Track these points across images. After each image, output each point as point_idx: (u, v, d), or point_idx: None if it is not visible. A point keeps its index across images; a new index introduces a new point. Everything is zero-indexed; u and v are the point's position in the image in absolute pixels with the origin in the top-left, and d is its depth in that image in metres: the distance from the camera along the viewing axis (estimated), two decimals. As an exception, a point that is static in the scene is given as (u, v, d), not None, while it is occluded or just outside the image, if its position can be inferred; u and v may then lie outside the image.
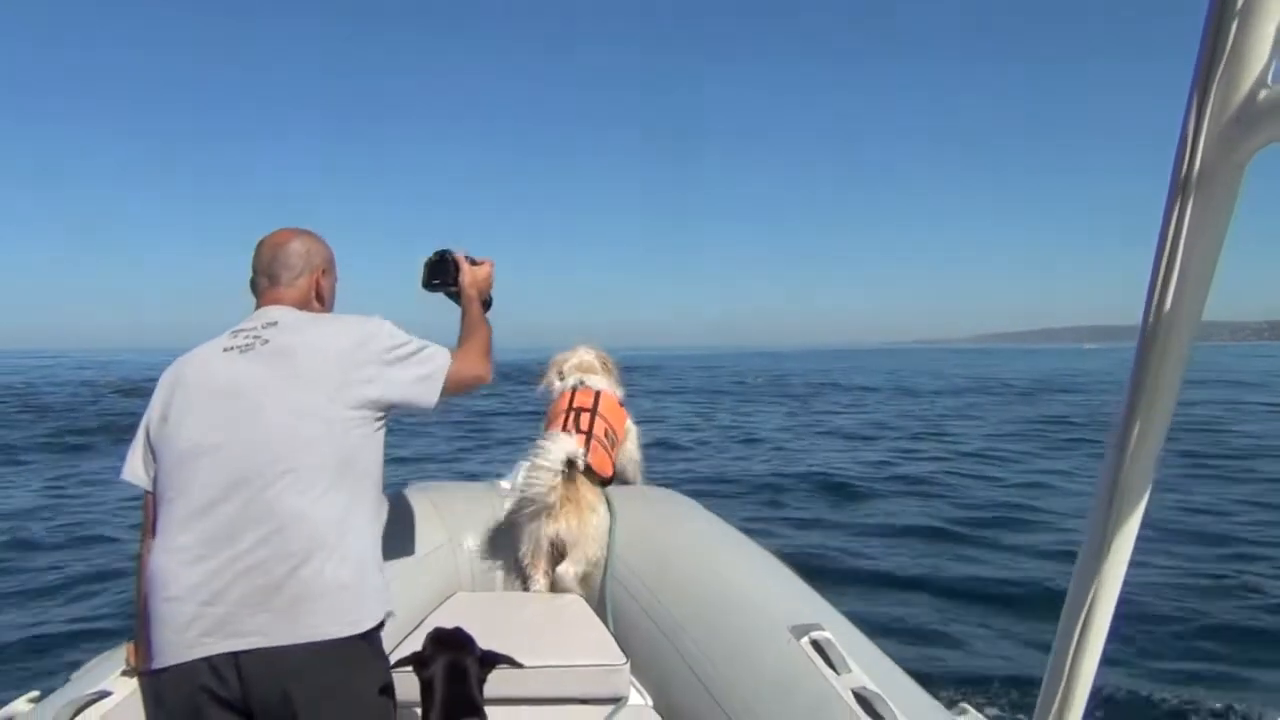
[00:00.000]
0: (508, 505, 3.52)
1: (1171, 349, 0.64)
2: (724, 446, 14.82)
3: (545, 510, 3.18)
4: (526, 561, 3.27)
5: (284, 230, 2.24)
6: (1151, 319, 0.65)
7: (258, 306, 2.17)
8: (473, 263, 2.55)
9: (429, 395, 2.13)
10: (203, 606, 1.84)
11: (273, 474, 1.90)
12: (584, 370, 3.70)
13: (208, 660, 1.83)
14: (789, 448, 14.47)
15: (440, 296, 2.59)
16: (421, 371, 2.12)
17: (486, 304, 2.57)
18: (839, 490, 10.05)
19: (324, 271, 2.25)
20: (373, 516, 2.06)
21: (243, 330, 2.08)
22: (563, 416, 3.49)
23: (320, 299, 2.24)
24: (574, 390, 3.60)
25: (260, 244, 2.22)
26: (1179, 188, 0.61)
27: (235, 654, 1.82)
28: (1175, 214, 0.62)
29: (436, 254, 2.56)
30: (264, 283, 2.19)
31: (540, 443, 3.21)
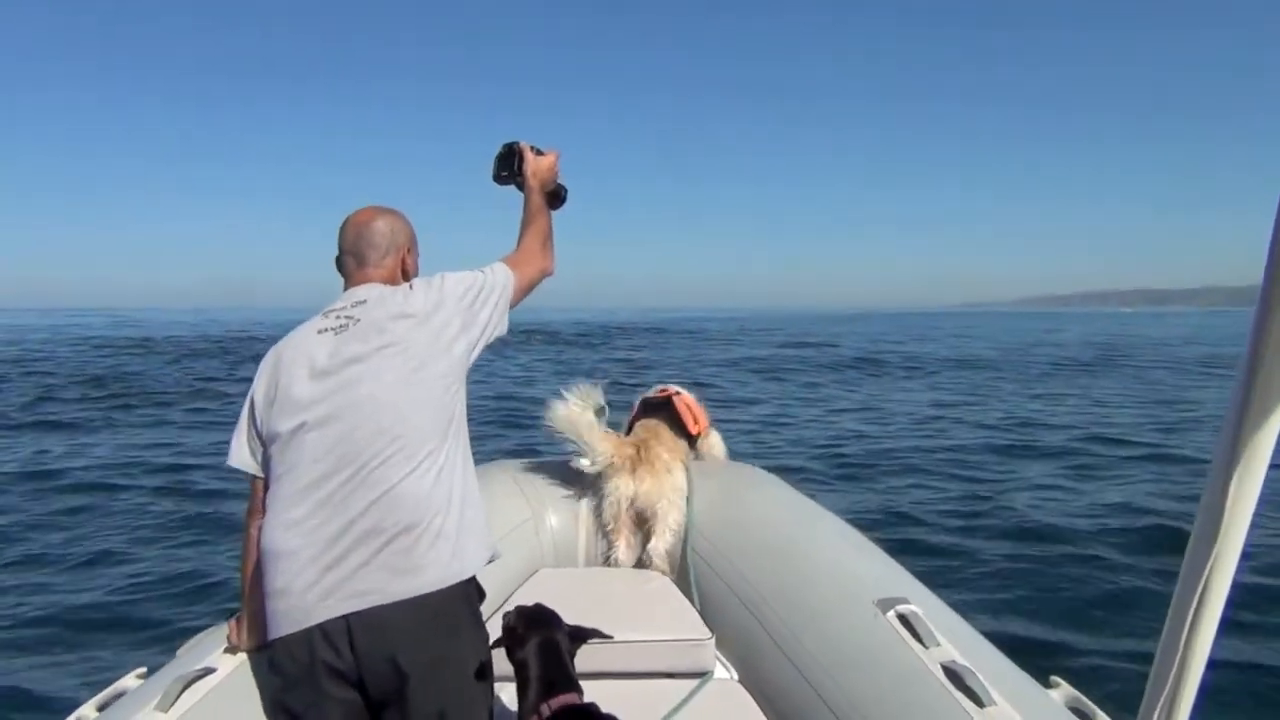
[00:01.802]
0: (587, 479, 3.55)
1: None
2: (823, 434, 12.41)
3: (622, 470, 3.23)
4: (610, 527, 3.29)
5: (367, 209, 2.31)
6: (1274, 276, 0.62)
7: (346, 286, 2.25)
8: (538, 153, 2.60)
9: (504, 322, 2.30)
10: (323, 572, 1.93)
11: (380, 446, 1.99)
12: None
13: (321, 629, 1.91)
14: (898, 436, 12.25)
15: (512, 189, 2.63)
16: (494, 304, 2.26)
17: (558, 197, 2.63)
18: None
19: (409, 250, 2.32)
20: (468, 459, 2.18)
21: (334, 311, 2.17)
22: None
23: (405, 277, 2.31)
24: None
25: (345, 224, 2.29)
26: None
27: (348, 620, 1.90)
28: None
29: (504, 147, 2.62)
30: (351, 263, 2.26)
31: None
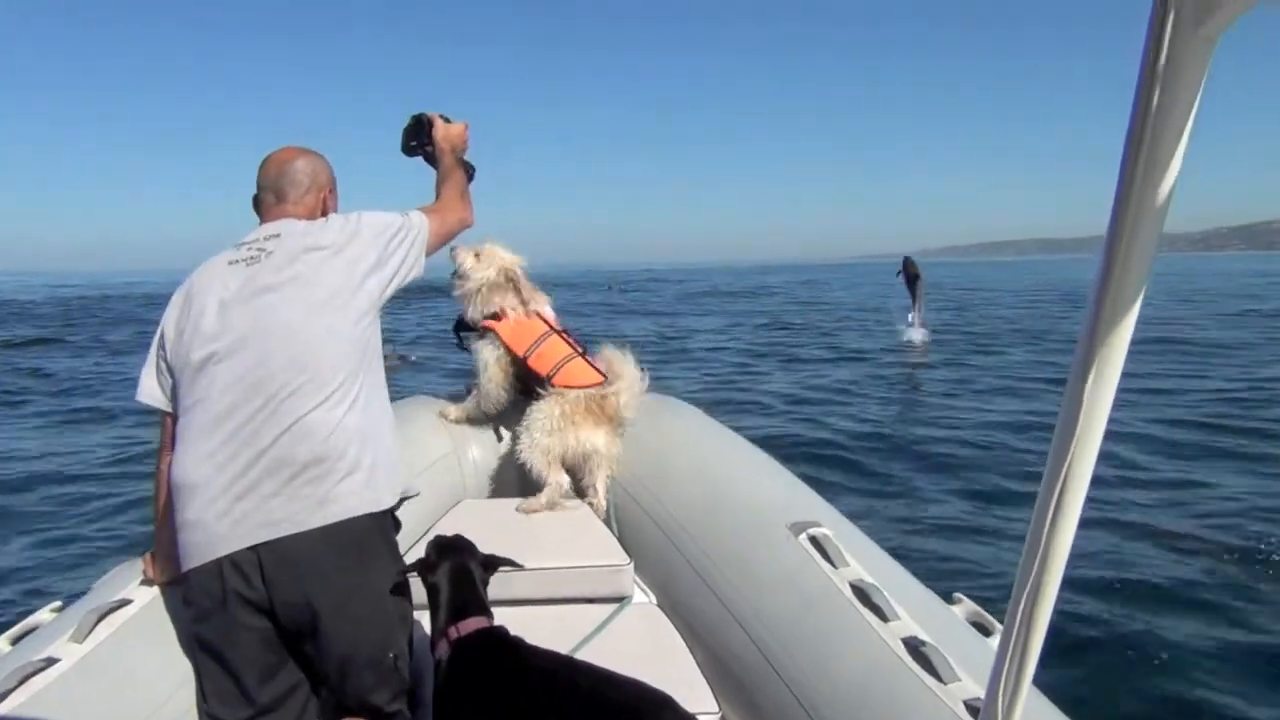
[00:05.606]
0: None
1: (1141, 235, 0.65)
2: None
3: (563, 427, 3.15)
4: (536, 472, 3.18)
5: (289, 148, 2.29)
6: (1121, 208, 0.65)
7: (262, 222, 2.23)
8: (447, 122, 2.64)
9: (419, 266, 2.29)
10: (233, 503, 1.92)
11: (290, 376, 1.98)
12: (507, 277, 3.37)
13: (231, 559, 1.90)
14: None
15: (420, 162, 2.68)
16: (409, 246, 2.25)
17: (467, 170, 2.65)
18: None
19: (330, 190, 2.31)
20: (382, 394, 2.18)
21: (246, 244, 2.15)
22: (565, 345, 3.36)
23: (325, 216, 2.28)
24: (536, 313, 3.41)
25: (266, 161, 2.27)
26: (1150, 65, 0.62)
27: (258, 550, 1.90)
28: (1145, 94, 0.62)
29: (412, 119, 2.66)
30: (270, 199, 2.24)
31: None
